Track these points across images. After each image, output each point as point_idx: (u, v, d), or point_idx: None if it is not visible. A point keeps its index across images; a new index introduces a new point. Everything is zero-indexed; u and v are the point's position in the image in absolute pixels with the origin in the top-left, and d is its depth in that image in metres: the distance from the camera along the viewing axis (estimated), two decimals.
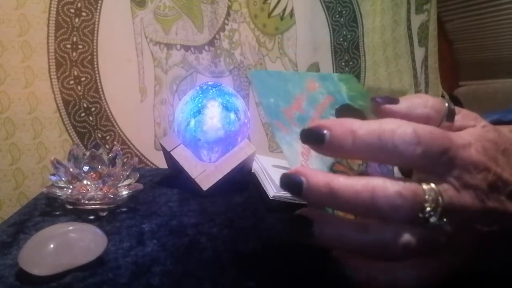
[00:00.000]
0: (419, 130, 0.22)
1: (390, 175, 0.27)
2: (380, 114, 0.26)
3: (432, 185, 0.22)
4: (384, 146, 0.22)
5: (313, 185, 0.23)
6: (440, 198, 0.22)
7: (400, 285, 0.23)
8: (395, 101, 0.26)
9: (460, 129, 0.27)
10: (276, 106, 0.28)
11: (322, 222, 0.24)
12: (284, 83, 0.29)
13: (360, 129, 0.23)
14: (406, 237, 0.22)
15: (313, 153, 0.27)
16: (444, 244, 0.23)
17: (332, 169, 0.27)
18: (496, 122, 0.32)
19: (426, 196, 0.22)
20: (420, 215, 0.22)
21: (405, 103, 0.26)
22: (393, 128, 0.22)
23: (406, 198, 0.21)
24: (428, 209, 0.22)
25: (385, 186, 0.22)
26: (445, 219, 0.22)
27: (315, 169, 0.26)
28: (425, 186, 0.22)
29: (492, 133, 0.25)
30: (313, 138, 0.24)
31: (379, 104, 0.27)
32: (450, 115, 0.27)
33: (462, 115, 0.28)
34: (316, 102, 0.29)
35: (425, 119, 0.26)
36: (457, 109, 0.28)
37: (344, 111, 0.29)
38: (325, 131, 0.23)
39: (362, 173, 0.27)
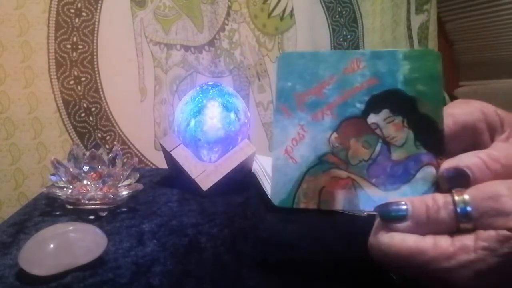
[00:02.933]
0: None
1: (405, 179, 0.25)
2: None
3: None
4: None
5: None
6: None
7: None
8: (464, 180, 0.23)
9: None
10: (291, 90, 0.27)
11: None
12: (315, 64, 0.27)
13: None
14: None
15: (306, 140, 0.26)
16: None
17: (323, 159, 0.26)
18: None
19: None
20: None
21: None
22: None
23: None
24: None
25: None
26: None
27: (304, 156, 0.26)
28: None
29: None
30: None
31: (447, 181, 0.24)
32: None
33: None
34: (347, 87, 0.27)
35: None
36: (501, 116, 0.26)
37: (383, 98, 0.26)
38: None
39: (364, 170, 0.26)
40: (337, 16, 0.92)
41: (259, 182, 0.52)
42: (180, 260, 0.32)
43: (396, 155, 0.26)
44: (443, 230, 0.22)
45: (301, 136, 0.26)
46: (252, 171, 0.59)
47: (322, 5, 0.90)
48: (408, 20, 1.01)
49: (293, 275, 0.31)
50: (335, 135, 0.26)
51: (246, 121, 0.55)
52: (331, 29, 0.92)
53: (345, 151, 0.26)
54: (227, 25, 0.81)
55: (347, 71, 0.27)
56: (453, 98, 1.25)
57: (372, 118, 0.26)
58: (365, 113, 0.26)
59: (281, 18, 0.86)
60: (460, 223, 0.21)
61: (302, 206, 0.26)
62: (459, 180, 0.23)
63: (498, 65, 1.24)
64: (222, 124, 0.52)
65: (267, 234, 0.40)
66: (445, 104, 0.26)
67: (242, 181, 0.56)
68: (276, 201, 0.26)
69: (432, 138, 0.25)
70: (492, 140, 0.25)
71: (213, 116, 0.52)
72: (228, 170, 0.52)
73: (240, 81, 0.83)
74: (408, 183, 0.25)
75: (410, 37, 1.02)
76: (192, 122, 0.52)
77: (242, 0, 0.82)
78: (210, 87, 0.55)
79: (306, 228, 0.41)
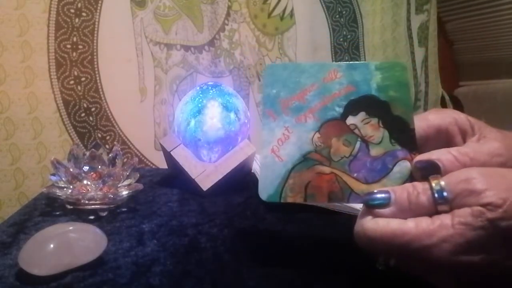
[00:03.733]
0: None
1: (384, 172, 0.28)
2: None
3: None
4: None
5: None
6: None
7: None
8: (436, 170, 0.26)
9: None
10: (276, 97, 0.30)
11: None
12: (297, 74, 0.30)
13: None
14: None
15: (291, 140, 0.29)
16: None
17: (307, 157, 0.29)
18: None
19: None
20: None
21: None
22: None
23: None
24: None
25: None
26: None
27: (289, 155, 0.29)
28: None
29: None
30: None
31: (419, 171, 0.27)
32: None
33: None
34: (327, 93, 0.30)
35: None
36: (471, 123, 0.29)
37: (360, 102, 0.29)
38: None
39: (346, 165, 0.29)
40: (337, 16, 0.92)
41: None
42: (180, 260, 0.32)
43: (374, 151, 0.28)
44: (423, 213, 0.24)
45: (286, 137, 0.29)
46: (252, 171, 0.59)
47: (322, 5, 0.90)
48: (408, 20, 1.01)
49: (293, 275, 0.31)
50: (317, 135, 0.29)
51: (246, 121, 0.55)
52: (331, 29, 0.92)
53: (327, 149, 0.29)
54: (227, 25, 0.82)
55: (326, 80, 0.30)
56: (453, 98, 1.25)
57: (350, 120, 0.29)
58: (344, 115, 0.29)
59: (281, 18, 0.86)
60: (438, 205, 0.24)
61: (289, 200, 0.28)
62: (431, 170, 0.26)
63: (498, 65, 1.24)
64: (222, 124, 0.52)
65: (267, 234, 0.40)
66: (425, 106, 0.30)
67: (242, 181, 0.56)
68: (264, 196, 0.29)
69: (405, 137, 0.28)
70: (464, 142, 0.29)
71: (213, 116, 0.52)
72: (228, 170, 0.52)
73: (240, 81, 0.84)
74: (387, 176, 0.28)
75: (410, 37, 1.02)
76: (192, 122, 0.52)
77: (242, 0, 0.82)
78: (210, 87, 0.55)
79: (306, 228, 0.41)
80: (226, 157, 0.53)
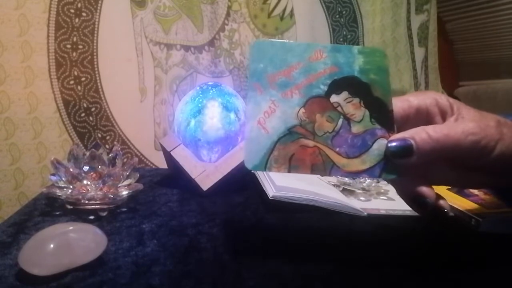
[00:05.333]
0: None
1: (364, 149, 0.30)
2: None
3: None
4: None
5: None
6: None
7: None
8: (409, 156, 0.29)
9: None
10: (263, 71, 0.31)
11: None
12: (284, 52, 0.31)
13: None
14: None
15: (276, 114, 0.30)
16: None
17: (292, 131, 0.30)
18: None
19: None
20: None
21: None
22: None
23: None
24: None
25: None
26: None
27: (274, 128, 0.30)
28: None
29: None
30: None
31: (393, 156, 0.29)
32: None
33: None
34: (312, 71, 0.31)
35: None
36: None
37: (343, 82, 0.31)
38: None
39: (329, 140, 0.30)
40: (337, 16, 0.92)
41: (259, 182, 0.52)
42: (180, 260, 0.32)
43: (355, 128, 0.30)
44: None
45: (272, 110, 0.30)
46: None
47: (322, 5, 0.90)
48: (408, 20, 1.01)
49: (293, 274, 0.31)
50: (302, 110, 0.30)
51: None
52: (331, 29, 0.92)
53: (311, 124, 0.30)
54: (227, 25, 0.81)
55: (312, 59, 0.31)
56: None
57: (334, 98, 0.31)
58: (328, 93, 0.31)
59: (281, 18, 0.86)
60: None
61: (273, 170, 0.29)
62: (403, 149, 0.29)
63: (498, 65, 1.24)
64: (222, 124, 0.52)
65: (267, 234, 0.40)
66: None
67: (242, 181, 0.56)
68: (249, 166, 0.30)
69: (384, 117, 0.30)
70: (443, 121, 0.31)
71: (213, 116, 0.52)
72: (228, 170, 0.52)
73: (240, 81, 0.84)
74: (366, 152, 0.30)
75: (410, 37, 1.02)
76: (192, 122, 0.52)
77: (242, 0, 0.82)
78: (210, 87, 0.55)
79: (306, 228, 0.41)
80: (226, 157, 0.53)
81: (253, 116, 0.30)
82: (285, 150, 0.29)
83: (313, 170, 0.29)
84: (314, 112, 0.30)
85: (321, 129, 0.30)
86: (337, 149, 0.30)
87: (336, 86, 0.31)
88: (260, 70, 0.31)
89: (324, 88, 0.31)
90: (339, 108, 0.30)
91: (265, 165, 0.29)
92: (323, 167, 0.29)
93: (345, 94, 0.31)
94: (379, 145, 0.30)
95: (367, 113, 0.30)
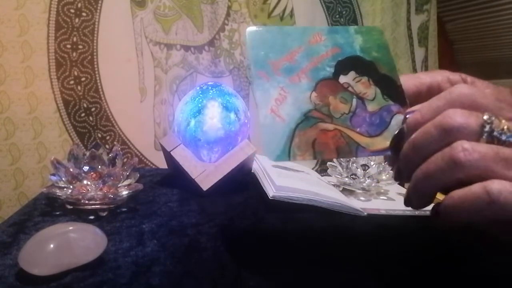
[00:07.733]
0: None
1: (384, 126, 0.29)
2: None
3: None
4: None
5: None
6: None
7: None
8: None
9: None
10: (265, 58, 0.30)
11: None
12: (283, 37, 0.31)
13: None
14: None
15: (288, 100, 0.29)
16: None
17: (308, 116, 0.29)
18: None
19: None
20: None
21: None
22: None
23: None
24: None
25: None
26: None
27: (289, 115, 0.28)
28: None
29: None
30: None
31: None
32: None
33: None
34: (315, 54, 0.30)
35: None
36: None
37: (348, 62, 0.31)
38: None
39: (348, 121, 0.29)
40: (337, 16, 0.92)
41: (259, 182, 0.52)
42: (180, 260, 0.32)
43: (370, 107, 0.30)
44: None
45: (283, 97, 0.29)
46: (252, 171, 0.59)
47: (322, 5, 0.90)
48: (408, 20, 1.01)
49: (293, 275, 0.31)
50: (314, 94, 0.29)
51: (246, 121, 0.55)
52: None
53: (326, 106, 0.29)
54: (227, 25, 0.81)
55: (311, 42, 0.31)
56: None
57: (342, 79, 0.30)
58: (336, 74, 0.30)
59: (281, 18, 0.86)
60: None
61: (298, 159, 0.28)
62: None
63: (498, 65, 1.24)
64: (222, 124, 0.52)
65: (267, 234, 0.40)
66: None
67: (242, 181, 0.56)
68: (272, 157, 0.28)
69: (395, 92, 0.30)
70: None
71: (213, 116, 0.52)
72: (228, 170, 0.52)
73: (240, 81, 0.83)
74: (386, 129, 0.29)
75: (410, 37, 1.02)
76: (192, 122, 0.52)
77: (242, 0, 0.82)
78: (210, 87, 0.55)
79: (306, 228, 0.41)
80: (226, 157, 0.53)
81: (264, 104, 0.28)
82: (305, 136, 0.28)
83: (339, 153, 0.29)
84: (327, 95, 0.30)
85: (337, 111, 0.29)
86: (358, 129, 0.29)
87: (342, 66, 0.30)
88: (262, 57, 0.30)
89: (330, 70, 0.30)
90: (350, 89, 0.30)
91: (288, 154, 0.28)
92: (348, 148, 0.29)
93: (352, 74, 0.30)
94: (397, 121, 0.29)
95: (378, 90, 0.30)
